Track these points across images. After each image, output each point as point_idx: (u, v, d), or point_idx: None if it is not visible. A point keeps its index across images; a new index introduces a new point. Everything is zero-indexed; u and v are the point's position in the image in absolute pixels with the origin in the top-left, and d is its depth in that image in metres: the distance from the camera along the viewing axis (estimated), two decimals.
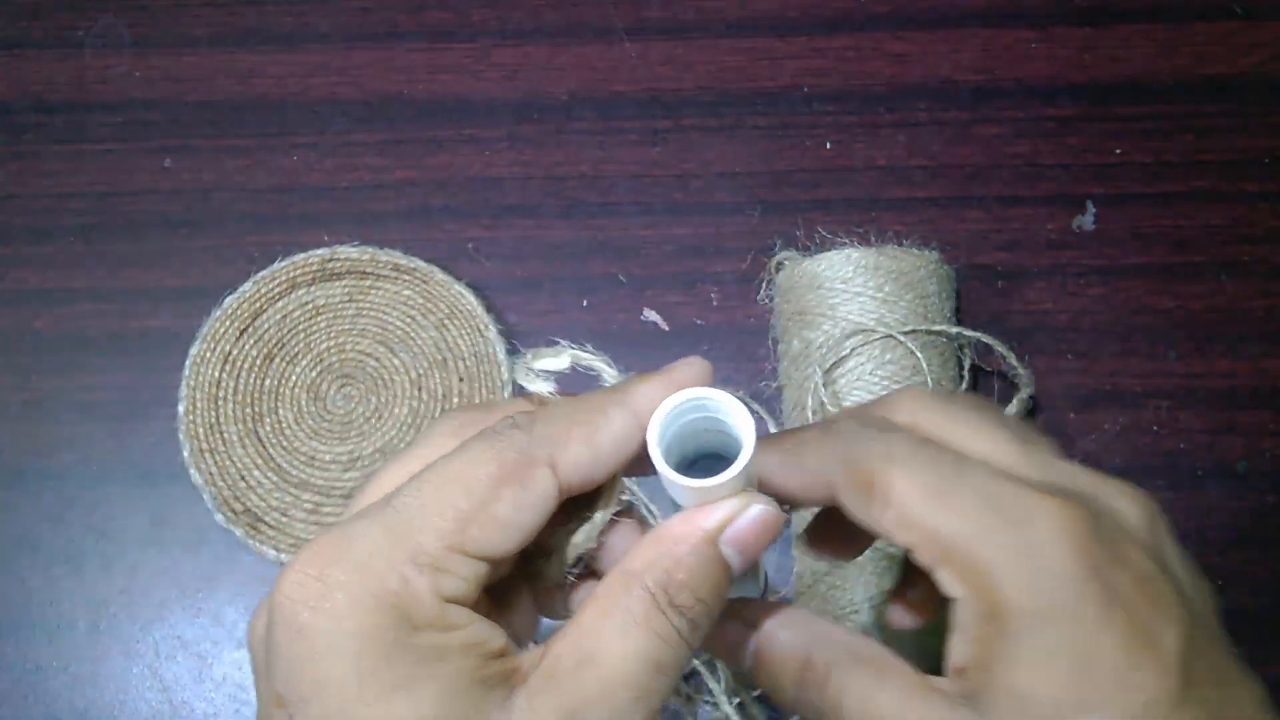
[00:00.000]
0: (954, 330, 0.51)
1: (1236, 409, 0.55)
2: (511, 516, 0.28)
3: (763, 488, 0.32)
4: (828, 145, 0.60)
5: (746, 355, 0.56)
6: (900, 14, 0.62)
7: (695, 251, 0.58)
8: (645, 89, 0.61)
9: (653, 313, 0.58)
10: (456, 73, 0.62)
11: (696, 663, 0.52)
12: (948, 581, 0.29)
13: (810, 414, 0.50)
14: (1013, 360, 0.52)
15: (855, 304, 0.50)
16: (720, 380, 0.56)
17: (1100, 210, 0.58)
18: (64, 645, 0.54)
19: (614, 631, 0.27)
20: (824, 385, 0.50)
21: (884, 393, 0.49)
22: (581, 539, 0.31)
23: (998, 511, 0.28)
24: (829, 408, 0.50)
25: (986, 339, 0.52)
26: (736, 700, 0.51)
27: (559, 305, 0.58)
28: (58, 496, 0.56)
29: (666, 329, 0.58)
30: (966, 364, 0.52)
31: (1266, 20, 0.61)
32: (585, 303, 0.58)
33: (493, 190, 0.60)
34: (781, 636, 0.31)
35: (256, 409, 0.56)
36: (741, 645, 0.31)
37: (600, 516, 0.31)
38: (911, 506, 0.29)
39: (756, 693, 0.52)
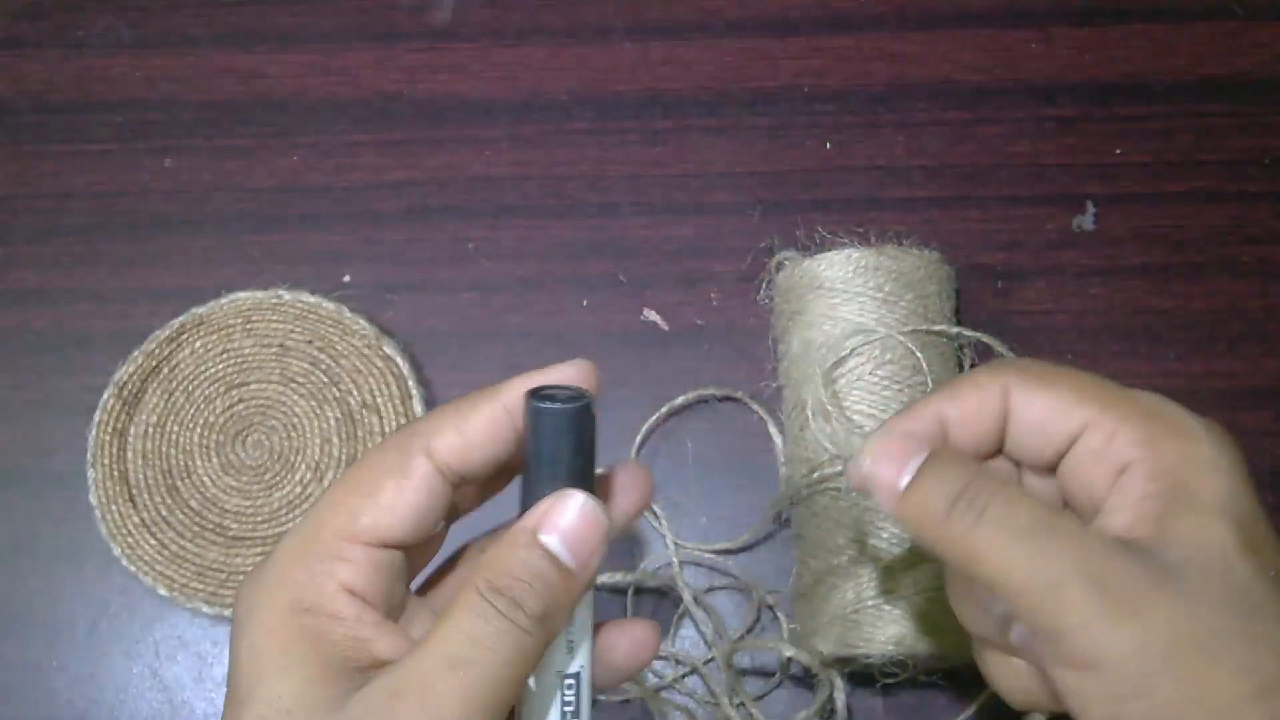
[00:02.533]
0: (954, 330, 0.51)
1: (1236, 409, 0.55)
2: (395, 500, 0.32)
3: (940, 432, 0.36)
4: (828, 145, 0.60)
5: (746, 355, 0.56)
6: (900, 14, 0.62)
7: (695, 251, 0.58)
8: (645, 89, 0.61)
9: (653, 313, 0.58)
10: (456, 73, 0.62)
11: (699, 666, 0.52)
12: (1124, 448, 0.33)
13: (810, 414, 0.50)
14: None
15: (855, 304, 0.50)
16: (720, 380, 0.56)
17: (1100, 210, 0.58)
18: (64, 645, 0.54)
19: (443, 620, 0.30)
20: (824, 385, 0.50)
21: (884, 392, 0.50)
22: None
23: (1160, 398, 0.34)
24: (829, 408, 0.50)
25: (986, 339, 0.52)
26: (738, 701, 0.51)
27: (559, 305, 0.58)
28: (58, 496, 0.56)
29: (666, 329, 0.58)
30: (966, 364, 0.52)
31: (1266, 20, 0.61)
32: (585, 303, 0.58)
33: (493, 190, 0.60)
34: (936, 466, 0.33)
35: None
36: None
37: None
38: (1089, 389, 0.34)
39: (758, 696, 0.52)
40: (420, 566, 0.36)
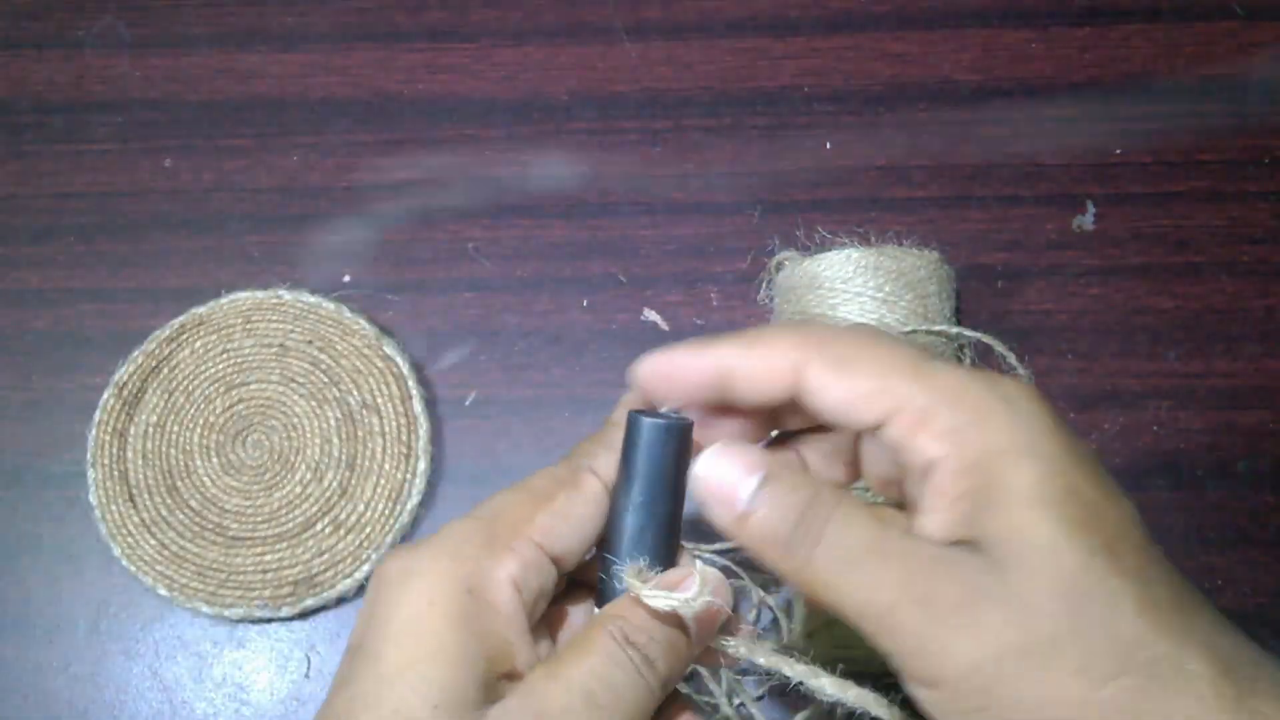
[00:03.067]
0: (954, 330, 0.51)
1: (1236, 409, 0.55)
2: (567, 508, 0.33)
3: (724, 383, 0.33)
4: (828, 145, 0.60)
5: None
6: (900, 14, 0.62)
7: (695, 251, 0.58)
8: (645, 89, 0.61)
9: (653, 313, 0.58)
10: (456, 73, 0.62)
11: (700, 667, 0.52)
12: (926, 445, 0.30)
13: None
14: (1013, 360, 0.52)
15: (855, 304, 0.50)
16: None
17: (1100, 210, 0.58)
18: (64, 645, 0.54)
19: (577, 654, 0.31)
20: None
21: None
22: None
23: (973, 375, 0.31)
24: None
25: (986, 339, 0.52)
26: (738, 701, 0.51)
27: (559, 305, 0.58)
28: (58, 496, 0.56)
29: (666, 329, 0.58)
30: (966, 364, 0.52)
31: (1266, 20, 0.61)
32: (585, 303, 0.58)
33: (493, 190, 0.60)
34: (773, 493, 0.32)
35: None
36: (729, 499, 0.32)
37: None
38: (889, 377, 0.31)
39: (757, 695, 0.52)
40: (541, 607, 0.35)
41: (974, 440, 0.30)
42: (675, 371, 0.33)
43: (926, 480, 0.30)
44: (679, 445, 0.33)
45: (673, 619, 0.32)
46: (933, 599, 0.29)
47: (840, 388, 0.31)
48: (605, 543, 0.34)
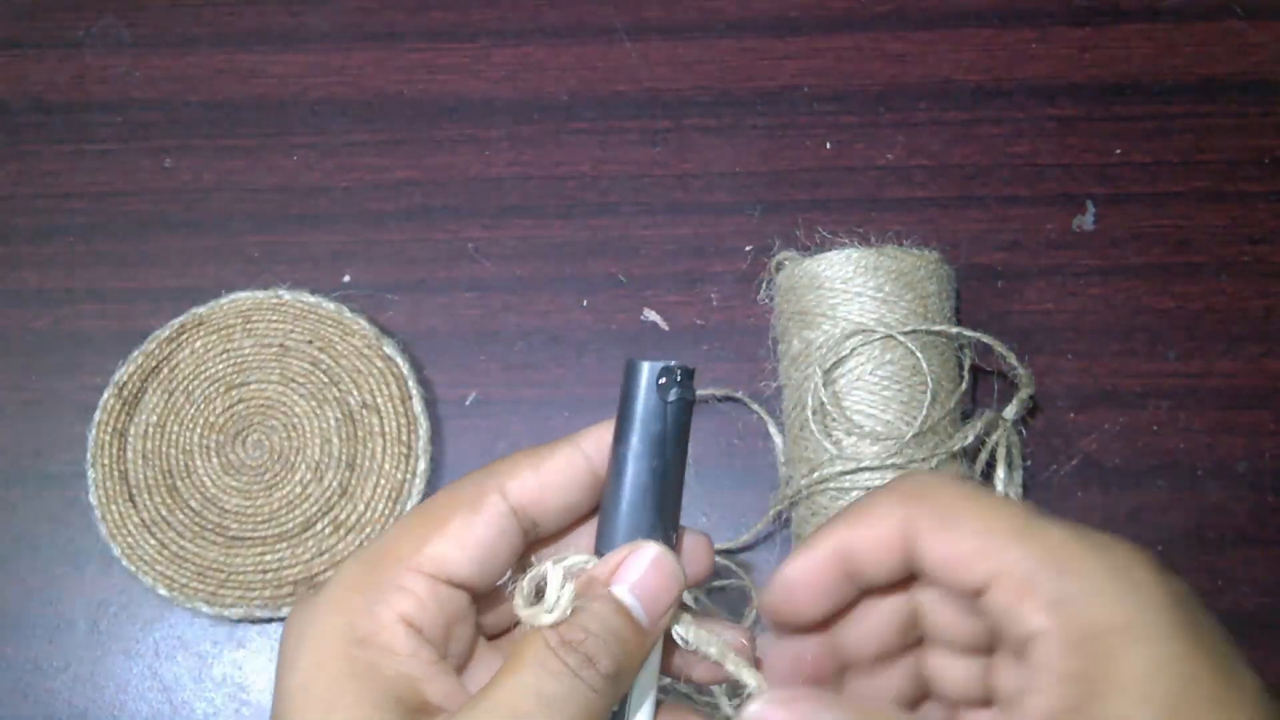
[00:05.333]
0: (954, 330, 0.51)
1: (1236, 409, 0.55)
2: (463, 534, 0.31)
3: (848, 570, 0.31)
4: (828, 145, 0.60)
5: (746, 355, 0.56)
6: (900, 14, 0.62)
7: (695, 251, 0.58)
8: (645, 89, 0.61)
9: (653, 313, 0.58)
10: (456, 73, 0.62)
11: None
12: (1030, 616, 0.28)
13: (810, 414, 0.50)
14: (1013, 360, 0.52)
15: (855, 304, 0.50)
16: (720, 380, 0.56)
17: (1100, 210, 0.58)
18: (64, 645, 0.54)
19: (506, 672, 0.29)
20: (824, 385, 0.50)
21: (884, 393, 0.50)
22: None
23: (1084, 538, 0.29)
24: (829, 408, 0.50)
25: (986, 339, 0.52)
26: (736, 701, 0.51)
27: (559, 305, 0.58)
28: (58, 496, 0.56)
29: (666, 329, 0.58)
30: (966, 364, 0.52)
31: (1266, 20, 0.61)
32: (585, 303, 0.58)
33: (493, 190, 0.60)
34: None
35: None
36: None
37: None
38: (993, 536, 0.29)
39: None
40: (491, 619, 0.34)
41: (1082, 614, 0.27)
42: (801, 579, 0.31)
43: (1028, 655, 0.28)
44: (681, 391, 0.31)
45: (615, 607, 0.30)
46: None
47: (944, 547, 0.30)
48: (602, 510, 0.32)
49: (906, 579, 0.32)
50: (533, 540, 0.33)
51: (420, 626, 0.30)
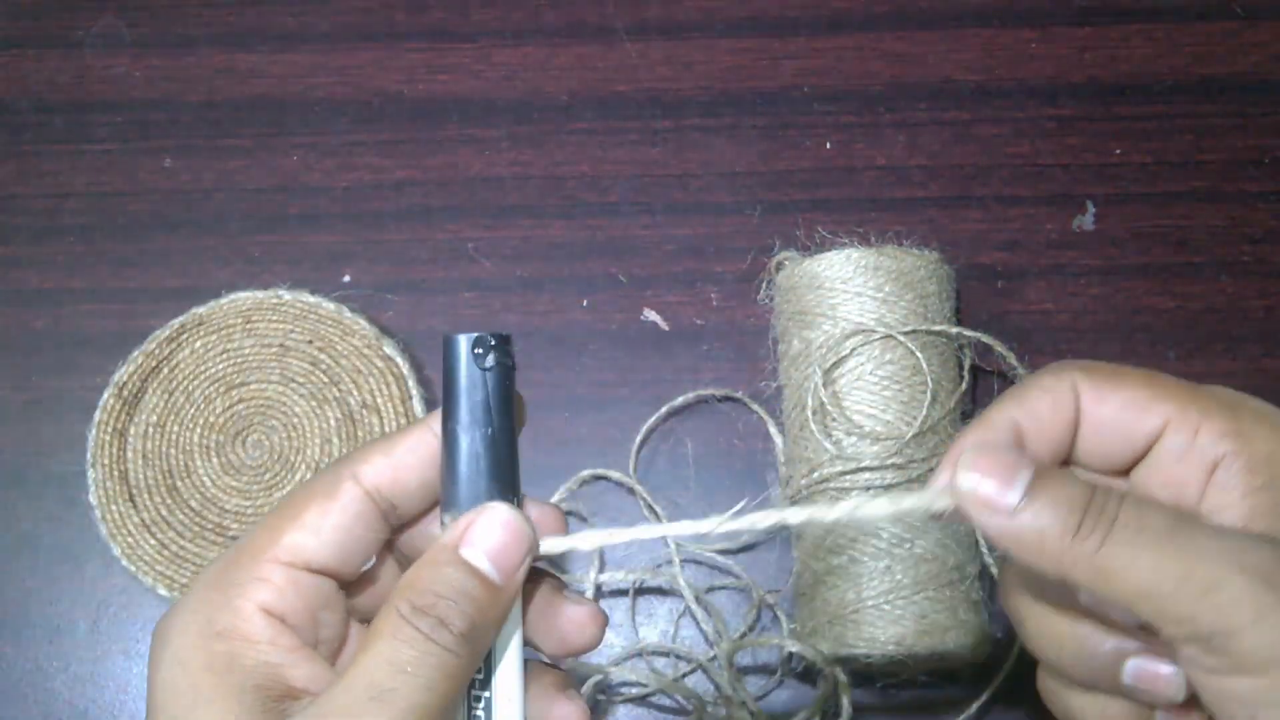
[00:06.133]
0: (954, 330, 0.51)
1: None
2: (319, 522, 0.32)
3: (1016, 439, 0.33)
4: (828, 145, 0.60)
5: (746, 355, 0.56)
6: (900, 14, 0.62)
7: (695, 251, 0.58)
8: (645, 89, 0.61)
9: (653, 313, 0.58)
10: (456, 73, 0.62)
11: (703, 662, 0.52)
12: (1213, 443, 0.32)
13: (810, 414, 0.50)
14: (1013, 360, 0.52)
15: (855, 304, 0.50)
16: (720, 380, 0.56)
17: (1100, 210, 0.58)
18: (64, 645, 0.54)
19: (364, 646, 0.29)
20: (824, 385, 0.50)
21: (884, 393, 0.50)
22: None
23: (1236, 393, 0.33)
24: (829, 408, 0.50)
25: (986, 339, 0.52)
26: (740, 700, 0.51)
27: (559, 305, 0.58)
28: (58, 496, 0.56)
29: (666, 329, 0.58)
30: (966, 364, 0.52)
31: (1266, 20, 0.61)
32: (585, 303, 0.58)
33: (493, 190, 0.60)
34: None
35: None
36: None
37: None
38: (1161, 388, 0.33)
39: (759, 695, 0.52)
40: (366, 603, 0.34)
41: (1262, 436, 0.32)
42: (1002, 463, 0.31)
43: (1210, 480, 0.32)
44: (499, 357, 0.32)
45: (465, 569, 0.31)
46: (1269, 574, 0.28)
47: (1119, 396, 0.33)
48: (442, 484, 0.32)
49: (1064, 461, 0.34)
50: (395, 524, 0.34)
51: (282, 615, 0.31)
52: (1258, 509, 0.31)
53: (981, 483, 0.30)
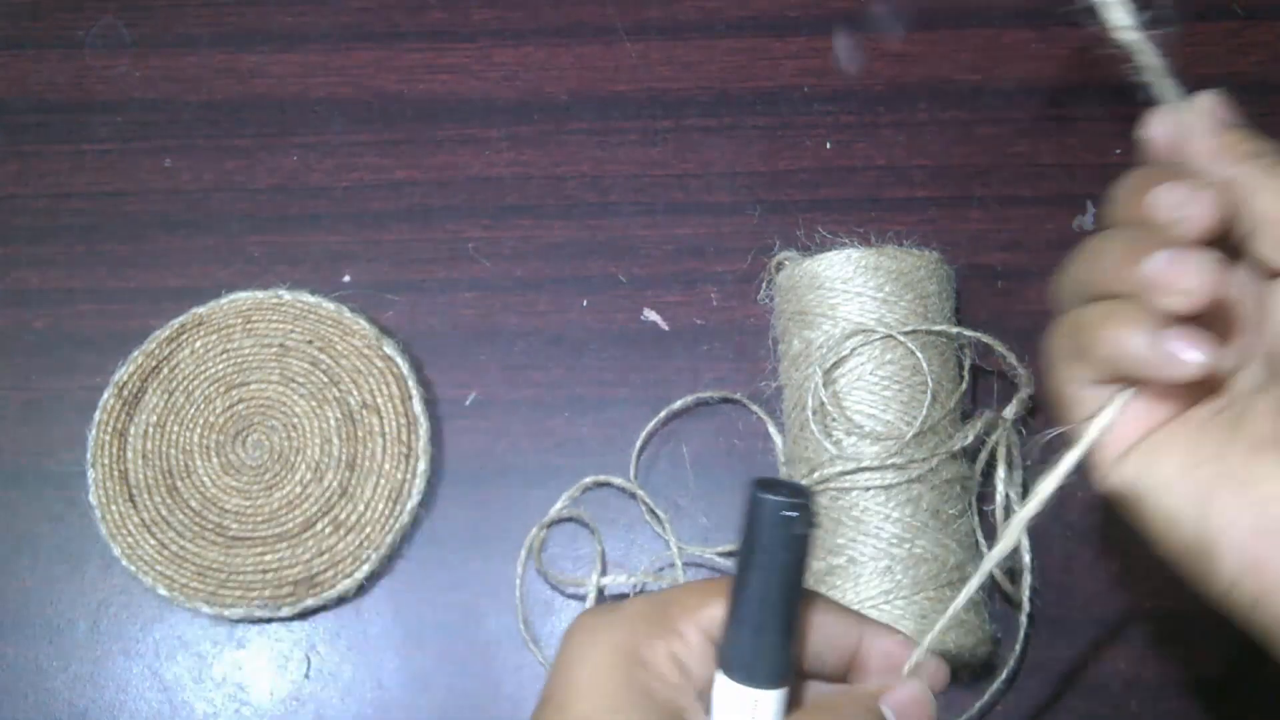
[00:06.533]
0: (954, 330, 0.51)
1: None
2: None
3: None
4: (828, 145, 0.60)
5: (746, 355, 0.56)
6: (900, 14, 0.62)
7: (695, 251, 0.58)
8: (645, 89, 0.61)
9: (653, 313, 0.58)
10: (456, 73, 0.62)
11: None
12: None
13: (810, 414, 0.50)
14: (1013, 360, 0.52)
15: (855, 304, 0.50)
16: (720, 380, 0.56)
17: (1100, 210, 0.58)
18: (64, 645, 0.54)
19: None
20: (824, 385, 0.50)
21: (884, 393, 0.50)
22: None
23: None
24: (829, 408, 0.50)
25: (986, 339, 0.52)
26: None
27: (559, 305, 0.58)
28: (58, 496, 0.56)
29: (666, 329, 0.58)
30: (966, 364, 0.52)
31: (1266, 20, 0.61)
32: (585, 303, 0.58)
33: (493, 190, 0.60)
34: None
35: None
36: None
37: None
38: None
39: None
40: None
41: None
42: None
43: None
44: (804, 532, 0.32)
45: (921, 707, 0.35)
46: None
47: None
48: (732, 604, 0.34)
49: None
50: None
51: (687, 669, 0.34)
52: None
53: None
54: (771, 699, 0.33)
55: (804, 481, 0.50)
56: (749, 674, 0.33)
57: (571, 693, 0.33)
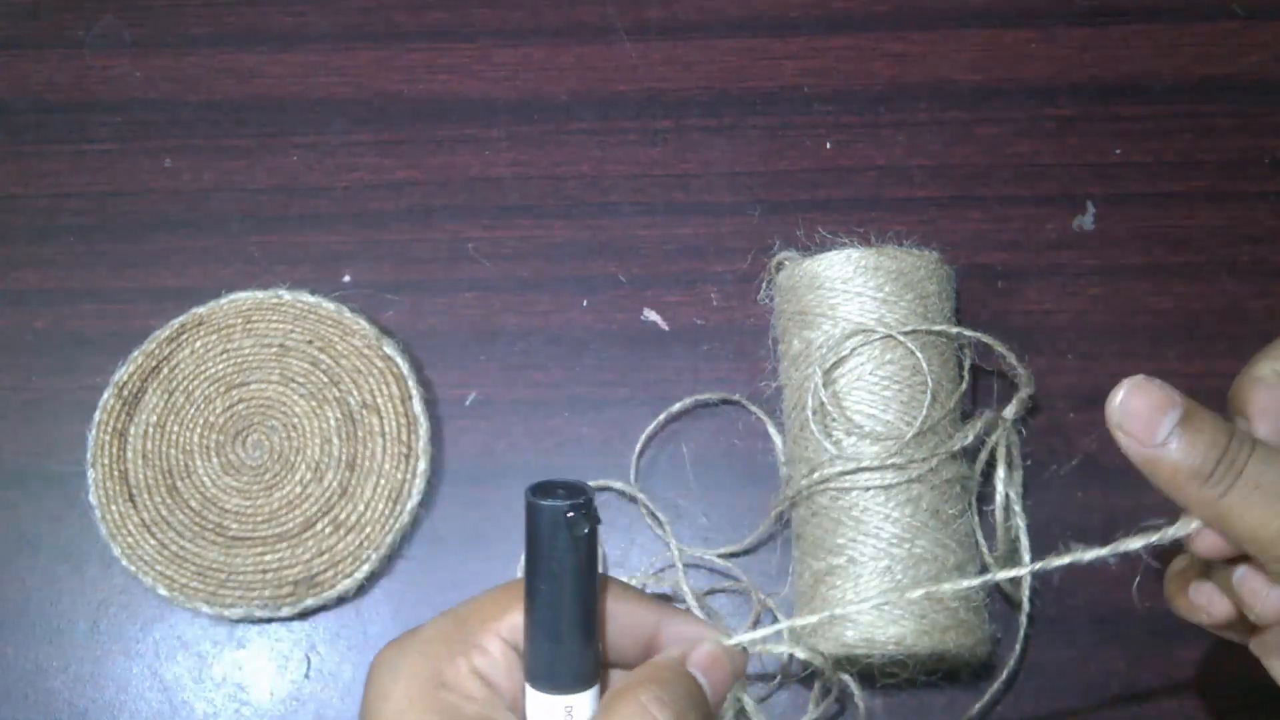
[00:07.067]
0: (954, 330, 0.51)
1: None
2: None
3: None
4: (828, 145, 0.60)
5: (746, 355, 0.56)
6: (900, 14, 0.62)
7: (695, 251, 0.58)
8: (645, 89, 0.61)
9: (653, 313, 0.58)
10: (456, 73, 0.62)
11: None
12: None
13: (810, 414, 0.50)
14: (1013, 360, 0.52)
15: (855, 304, 0.50)
16: (720, 380, 0.56)
17: (1100, 210, 0.58)
18: (64, 645, 0.54)
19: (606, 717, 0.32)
20: (824, 385, 0.50)
21: (884, 393, 0.50)
22: None
23: None
24: (829, 408, 0.50)
25: (986, 339, 0.52)
26: (741, 703, 0.51)
27: (559, 305, 0.58)
28: (58, 496, 0.56)
29: (666, 329, 0.57)
30: (966, 364, 0.52)
31: (1266, 20, 0.61)
32: (585, 303, 0.58)
33: (493, 190, 0.60)
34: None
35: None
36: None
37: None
38: None
39: (762, 697, 0.52)
40: None
41: None
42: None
43: None
44: (585, 532, 0.32)
45: (692, 679, 0.34)
46: None
47: None
48: (527, 614, 0.33)
49: None
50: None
51: (492, 681, 0.34)
52: None
53: (1131, 418, 0.35)
54: (582, 701, 0.33)
55: (804, 482, 0.50)
56: (554, 681, 0.33)
57: None
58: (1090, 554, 0.37)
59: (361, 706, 0.34)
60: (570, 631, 0.32)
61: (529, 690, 0.33)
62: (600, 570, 0.53)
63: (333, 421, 0.55)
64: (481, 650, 0.34)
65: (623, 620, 0.35)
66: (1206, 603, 0.39)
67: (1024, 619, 0.51)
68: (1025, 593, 0.51)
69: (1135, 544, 0.36)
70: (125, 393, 0.55)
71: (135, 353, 0.56)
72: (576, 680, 0.33)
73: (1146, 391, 0.35)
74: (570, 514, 0.31)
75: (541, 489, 0.32)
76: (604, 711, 0.32)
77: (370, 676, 0.34)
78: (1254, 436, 0.35)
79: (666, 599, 0.54)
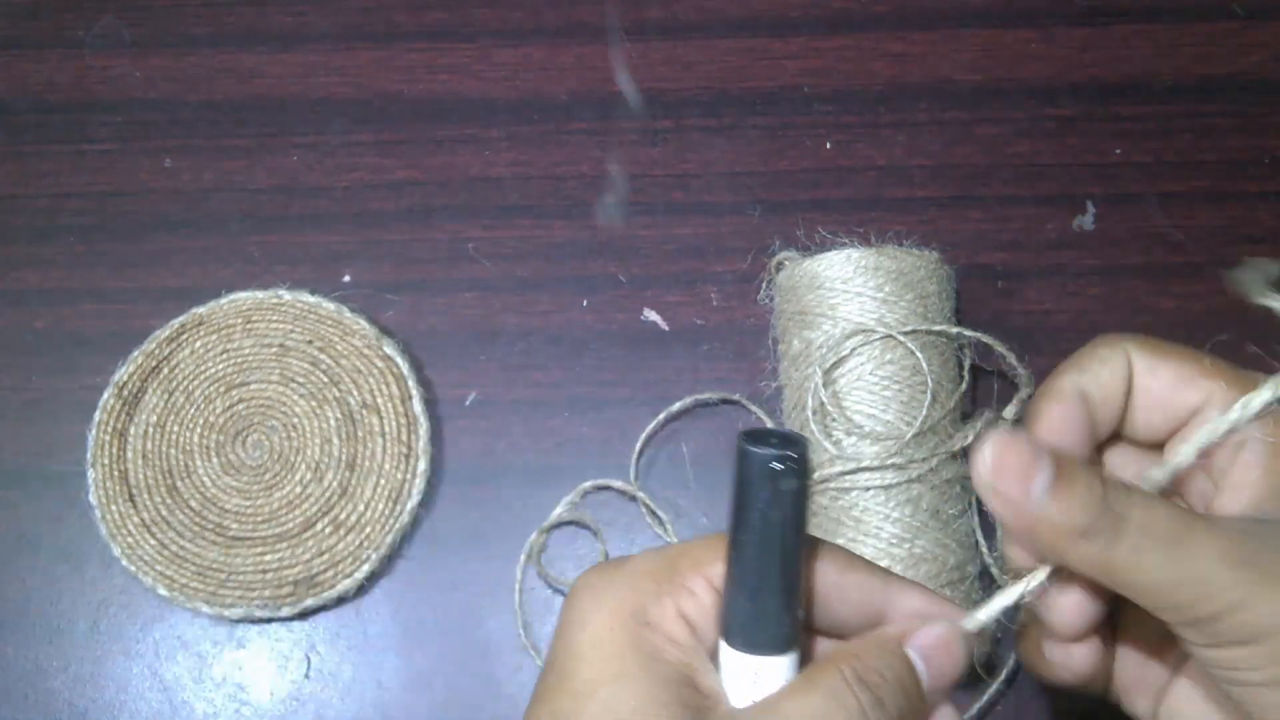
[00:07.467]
0: (954, 330, 0.51)
1: None
2: None
3: (1087, 413, 0.36)
4: (828, 145, 0.60)
5: (746, 355, 0.56)
6: (900, 14, 0.62)
7: (695, 251, 0.58)
8: (645, 89, 0.61)
9: (653, 313, 0.58)
10: (456, 73, 0.62)
11: None
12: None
13: (810, 414, 0.50)
14: (1013, 360, 0.52)
15: (855, 304, 0.50)
16: (720, 380, 0.56)
17: (1100, 210, 0.58)
18: (64, 645, 0.54)
19: (799, 693, 0.31)
20: (824, 385, 0.50)
21: (884, 393, 0.50)
22: None
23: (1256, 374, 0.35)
24: (829, 408, 0.50)
25: (986, 339, 0.52)
26: None
27: (559, 305, 0.58)
28: (58, 496, 0.56)
29: (666, 329, 0.58)
30: (966, 364, 0.52)
31: (1266, 20, 0.61)
32: (585, 303, 0.58)
33: (493, 190, 0.60)
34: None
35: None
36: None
37: None
38: (1202, 363, 0.35)
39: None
40: None
41: None
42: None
43: (1236, 459, 0.34)
44: (794, 486, 0.30)
45: (906, 660, 0.32)
46: (1252, 561, 0.31)
47: (1168, 368, 0.35)
48: (727, 567, 0.32)
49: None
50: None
51: (696, 626, 0.32)
52: (1270, 491, 0.33)
53: (1001, 478, 0.32)
54: (775, 666, 0.31)
55: None
56: (749, 641, 0.31)
57: (574, 659, 0.31)
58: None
59: (557, 630, 0.33)
60: (768, 590, 0.30)
61: (721, 645, 0.32)
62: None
63: (333, 421, 0.55)
64: (690, 593, 0.32)
65: (846, 591, 0.33)
66: (1064, 658, 0.36)
67: (1024, 618, 0.51)
68: (1025, 593, 0.51)
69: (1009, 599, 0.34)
70: (125, 393, 0.55)
71: (135, 353, 0.56)
72: (771, 643, 0.31)
73: (1010, 450, 0.32)
74: (776, 464, 0.29)
75: (754, 436, 0.29)
76: (801, 679, 0.31)
77: (570, 601, 0.33)
78: (1122, 480, 0.32)
79: None
